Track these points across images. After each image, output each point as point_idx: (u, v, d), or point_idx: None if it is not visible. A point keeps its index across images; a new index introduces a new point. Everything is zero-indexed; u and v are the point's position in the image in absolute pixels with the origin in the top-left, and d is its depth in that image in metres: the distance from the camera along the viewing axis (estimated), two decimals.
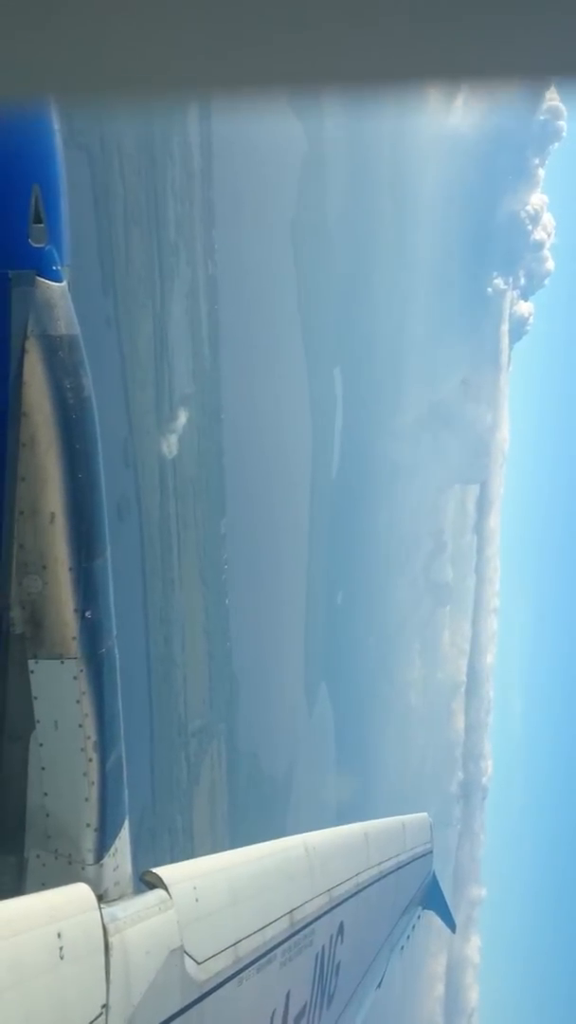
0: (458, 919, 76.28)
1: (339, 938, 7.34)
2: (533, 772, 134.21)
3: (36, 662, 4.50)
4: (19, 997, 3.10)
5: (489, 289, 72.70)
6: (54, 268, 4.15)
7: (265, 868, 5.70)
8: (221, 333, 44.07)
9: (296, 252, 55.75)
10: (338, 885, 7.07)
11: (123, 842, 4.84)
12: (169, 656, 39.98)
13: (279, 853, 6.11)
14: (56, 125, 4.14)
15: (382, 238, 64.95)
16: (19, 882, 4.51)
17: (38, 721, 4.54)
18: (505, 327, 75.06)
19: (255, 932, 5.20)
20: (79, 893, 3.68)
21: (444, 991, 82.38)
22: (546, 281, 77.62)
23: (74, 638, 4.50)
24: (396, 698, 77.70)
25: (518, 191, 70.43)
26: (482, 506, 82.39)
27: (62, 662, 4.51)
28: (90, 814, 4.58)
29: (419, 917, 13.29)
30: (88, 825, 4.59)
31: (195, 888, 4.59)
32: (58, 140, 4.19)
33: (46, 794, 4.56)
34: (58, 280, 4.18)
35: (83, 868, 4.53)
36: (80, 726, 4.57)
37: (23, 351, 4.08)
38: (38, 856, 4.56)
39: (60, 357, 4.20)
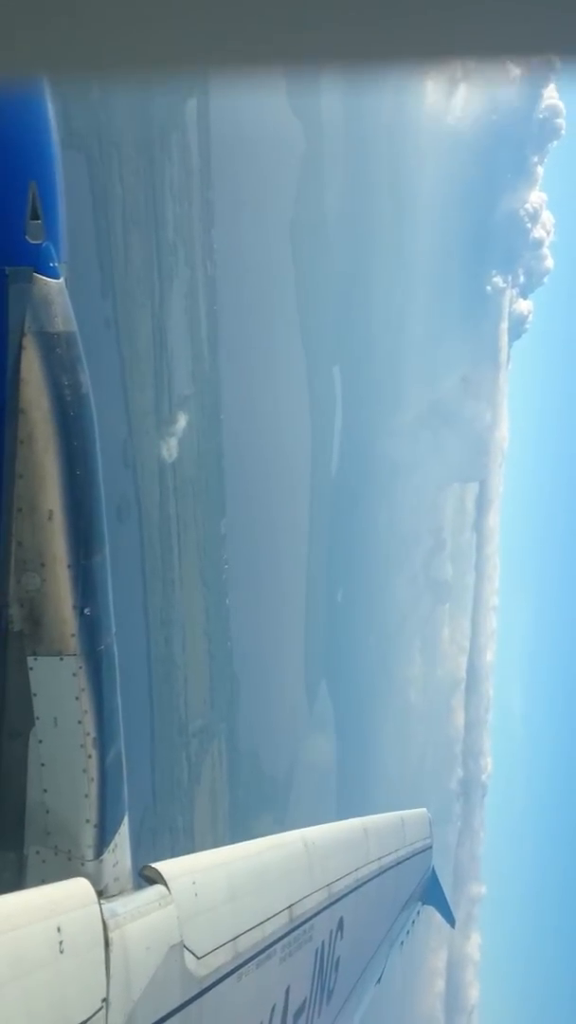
0: (458, 916, 76.39)
1: (339, 933, 7.35)
2: (533, 770, 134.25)
3: (35, 659, 4.51)
4: (19, 991, 3.11)
5: (488, 287, 72.67)
6: (51, 265, 4.15)
7: (264, 863, 5.71)
8: (220, 333, 44.08)
9: (295, 251, 55.74)
10: (337, 880, 7.09)
11: (123, 838, 4.85)
12: (170, 656, 40.03)
13: (278, 848, 6.12)
14: (53, 122, 4.15)
15: (381, 237, 64.93)
16: (19, 878, 4.52)
17: (37, 718, 4.55)
18: (504, 325, 75.03)
19: (255, 927, 5.21)
20: (79, 888, 3.69)
21: (444, 987, 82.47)
22: (545, 279, 77.61)
23: (73, 635, 4.51)
24: (396, 695, 77.74)
25: (517, 189, 70.41)
26: (481, 504, 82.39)
27: (61, 659, 4.52)
28: (89, 810, 4.59)
29: (419, 912, 13.33)
30: (88, 821, 4.60)
31: (194, 883, 4.60)
32: (55, 137, 4.20)
33: (46, 790, 4.57)
34: (55, 277, 4.18)
35: (83, 864, 4.54)
36: (79, 722, 4.58)
37: (20, 348, 4.09)
38: (38, 852, 4.57)
39: (58, 354, 4.21)
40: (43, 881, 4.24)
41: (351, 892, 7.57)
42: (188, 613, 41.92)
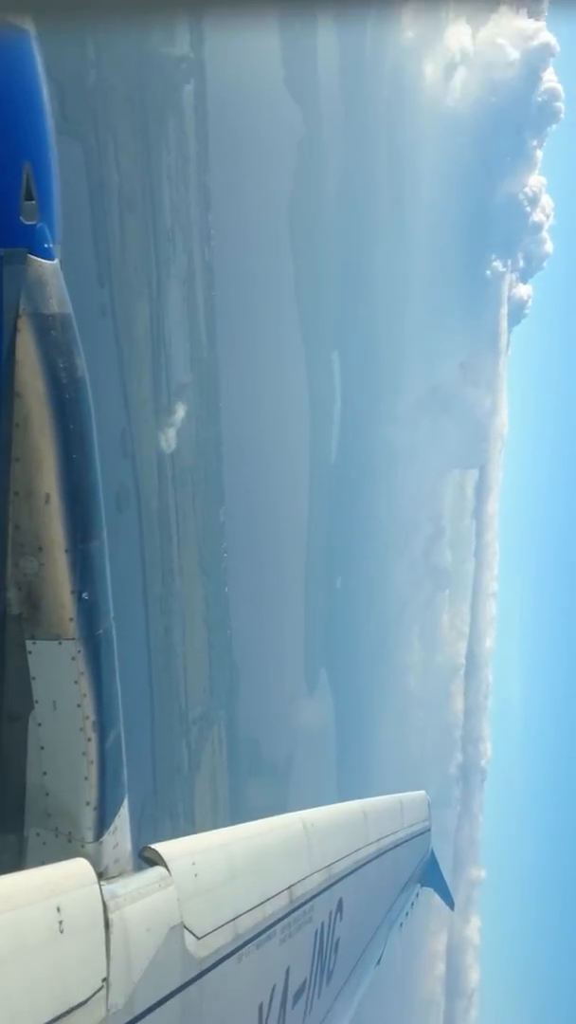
0: (458, 900, 76.90)
1: (338, 915, 7.41)
2: (532, 755, 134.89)
3: (34, 643, 4.52)
4: (19, 970, 3.13)
5: (488, 272, 72.42)
6: (46, 246, 4.12)
7: (264, 844, 5.75)
8: (218, 320, 43.97)
9: (293, 236, 55.56)
10: (337, 862, 7.14)
11: (123, 820, 4.87)
12: (169, 645, 40.13)
13: (277, 830, 6.16)
14: (47, 102, 4.12)
15: (379, 221, 64.71)
16: (19, 860, 4.55)
17: (36, 701, 4.57)
18: (504, 310, 74.81)
19: (254, 908, 5.25)
20: (78, 868, 3.71)
21: (445, 970, 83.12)
22: (545, 263, 77.37)
23: (71, 619, 4.51)
24: (395, 682, 77.99)
25: (516, 172, 70.09)
26: (481, 491, 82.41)
27: (60, 643, 4.53)
28: (89, 793, 4.61)
29: (418, 894, 13.44)
30: (87, 803, 4.62)
31: (194, 864, 4.63)
32: (49, 117, 4.17)
33: (45, 773, 4.59)
34: (50, 258, 4.16)
35: (83, 846, 4.56)
36: (78, 706, 4.59)
37: (15, 330, 4.07)
38: (38, 834, 4.60)
39: (53, 336, 4.18)
40: (43, 863, 4.26)
41: (350, 874, 7.64)
42: (187, 602, 42.00)
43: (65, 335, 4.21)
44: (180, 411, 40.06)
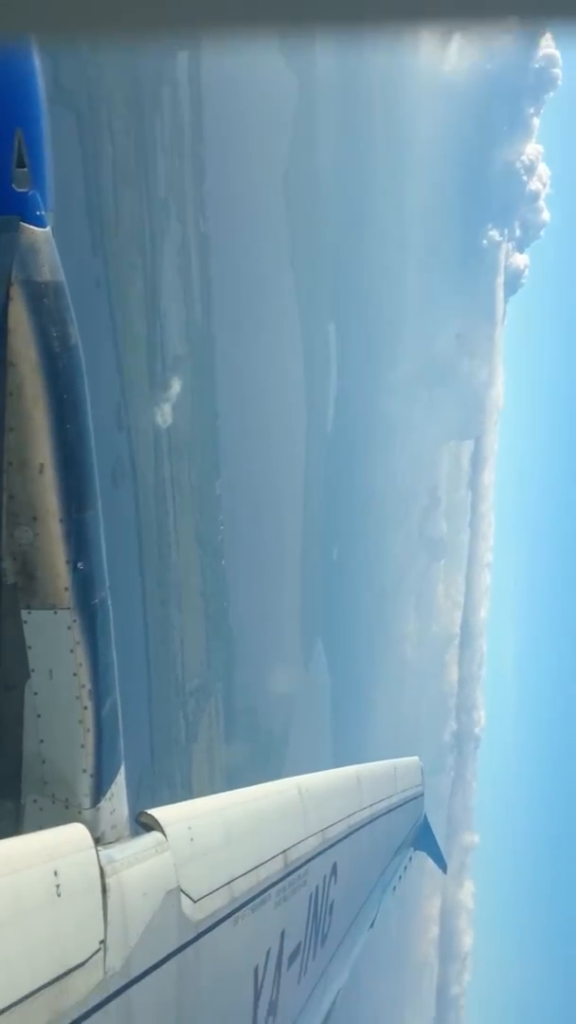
0: (452, 865, 77.92)
1: (332, 878, 7.51)
2: (525, 723, 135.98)
3: (29, 612, 4.52)
4: (17, 933, 3.17)
5: (484, 241, 71.93)
6: (38, 213, 4.07)
7: (259, 809, 5.81)
8: (213, 291, 43.63)
9: (289, 207, 55.03)
10: (331, 826, 7.23)
11: (119, 787, 4.91)
12: (166, 618, 40.23)
13: (272, 795, 6.22)
14: (39, 68, 4.06)
15: (375, 191, 64.09)
16: (16, 826, 4.60)
17: (33, 670, 4.58)
18: (500, 280, 74.40)
19: (250, 871, 5.30)
20: (75, 833, 3.74)
21: (439, 933, 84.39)
22: (542, 232, 76.87)
23: (67, 589, 4.51)
24: (391, 651, 78.45)
25: (513, 141, 69.39)
26: (476, 462, 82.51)
27: (55, 613, 4.53)
28: (86, 760, 4.64)
29: (411, 858, 13.63)
30: (84, 771, 4.65)
31: (190, 828, 4.67)
32: (41, 83, 4.11)
33: (42, 741, 4.61)
34: (42, 225, 4.11)
35: (80, 812, 4.60)
36: (74, 675, 4.60)
37: (7, 298, 4.03)
38: (35, 801, 4.63)
39: (45, 304, 4.14)
40: (40, 829, 4.29)
41: (345, 838, 7.74)
42: (184, 575, 42.05)
43: (58, 303, 4.17)
44: (176, 384, 39.87)
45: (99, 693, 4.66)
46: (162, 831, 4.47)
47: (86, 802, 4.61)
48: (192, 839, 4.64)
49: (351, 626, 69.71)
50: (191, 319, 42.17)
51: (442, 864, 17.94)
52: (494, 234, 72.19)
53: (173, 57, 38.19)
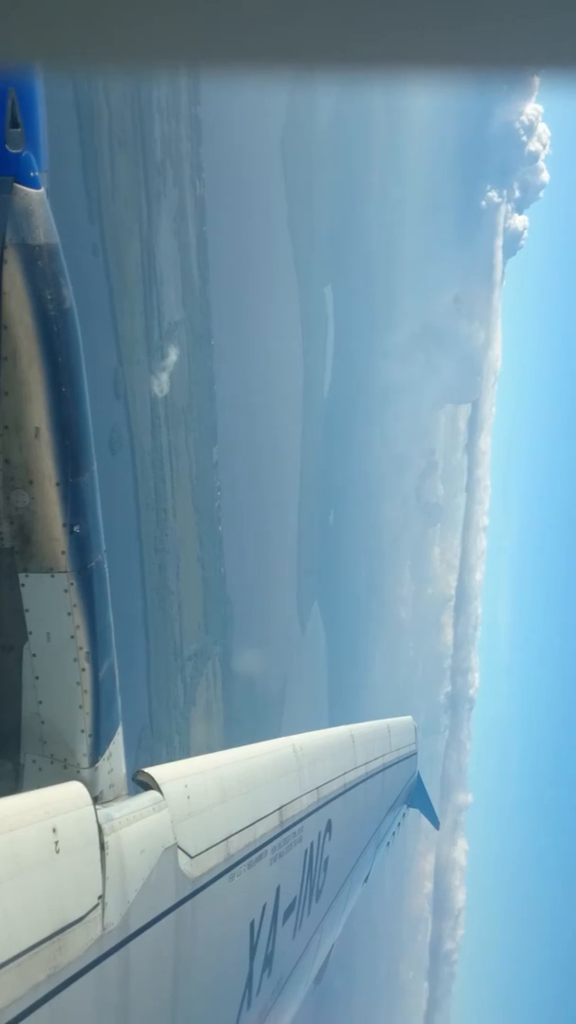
0: (446, 824, 79.05)
1: (327, 835, 7.62)
2: (519, 685, 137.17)
3: (27, 575, 4.52)
4: (17, 888, 3.21)
5: (483, 202, 71.11)
6: (32, 174, 4.00)
7: (254, 767, 5.86)
8: (210, 255, 43.15)
9: (286, 169, 54.28)
10: (326, 784, 7.32)
11: (117, 747, 4.94)
12: (164, 584, 40.31)
13: (268, 753, 6.28)
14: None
15: (372, 151, 63.21)
16: (16, 785, 4.64)
17: (30, 633, 4.59)
18: (499, 242, 73.66)
19: (246, 828, 5.37)
20: (73, 790, 3.77)
21: (432, 889, 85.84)
22: (541, 193, 75.91)
23: (63, 552, 4.50)
24: (387, 614, 78.88)
25: (512, 100, 68.26)
26: (473, 425, 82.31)
27: (52, 576, 4.52)
28: (84, 721, 4.67)
29: (404, 815, 13.82)
30: (82, 731, 4.67)
31: (186, 786, 4.72)
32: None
33: (40, 702, 4.64)
34: (36, 187, 4.04)
35: (78, 772, 4.63)
36: (72, 637, 4.61)
37: (2, 261, 3.99)
38: (34, 761, 4.67)
39: (40, 267, 4.09)
40: (39, 788, 4.34)
41: (339, 795, 7.84)
42: (182, 540, 42.09)
43: (52, 266, 4.11)
44: (172, 350, 39.58)
45: (96, 655, 4.68)
46: (159, 789, 4.52)
47: (84, 762, 4.65)
48: (189, 797, 4.70)
49: (347, 589, 70.00)
50: (188, 284, 41.77)
51: (435, 821, 18.21)
52: (493, 195, 71.34)
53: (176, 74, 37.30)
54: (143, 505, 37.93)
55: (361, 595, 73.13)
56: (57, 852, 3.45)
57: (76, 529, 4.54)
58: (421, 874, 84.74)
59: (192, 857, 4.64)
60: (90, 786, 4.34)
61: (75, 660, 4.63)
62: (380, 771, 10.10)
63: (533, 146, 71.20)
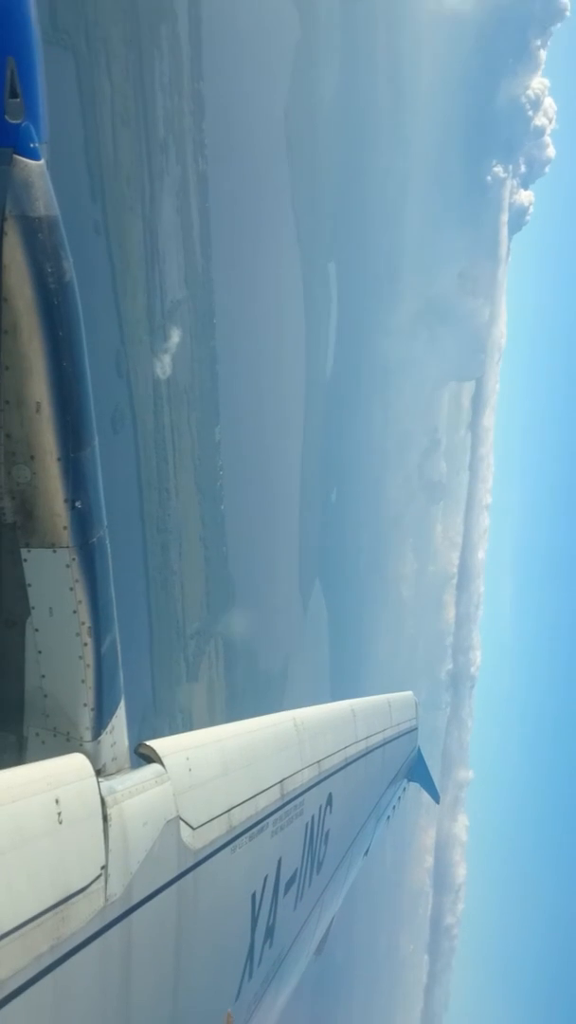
0: (446, 799, 79.67)
1: (328, 808, 7.68)
2: (521, 663, 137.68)
3: (29, 551, 4.52)
4: (20, 858, 3.23)
5: (488, 177, 70.52)
6: (32, 146, 3.95)
7: (255, 740, 5.90)
8: (213, 232, 42.86)
9: (289, 144, 53.78)
10: (327, 758, 7.36)
11: (120, 721, 4.97)
12: (166, 563, 40.39)
13: (269, 727, 6.31)
14: None
15: (378, 126, 62.61)
16: (19, 758, 4.68)
17: (33, 607, 4.61)
18: (504, 217, 73.14)
19: (247, 800, 5.41)
20: (76, 762, 3.80)
21: (433, 864, 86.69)
22: (547, 169, 75.33)
23: (65, 528, 4.50)
24: (389, 592, 79.07)
25: (519, 74, 67.52)
26: (477, 403, 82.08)
27: (54, 551, 4.52)
28: (87, 694, 4.70)
29: (404, 789, 13.92)
30: (85, 705, 4.70)
31: (188, 759, 4.75)
32: (34, 12, 3.97)
33: (43, 676, 4.67)
34: (36, 158, 3.99)
35: (81, 744, 4.66)
36: (74, 612, 4.63)
37: (1, 233, 3.96)
38: (37, 734, 4.70)
39: (40, 239, 4.05)
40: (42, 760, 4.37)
41: (340, 769, 7.89)
42: (184, 520, 42.14)
43: (52, 239, 4.08)
44: (175, 328, 39.43)
45: (98, 630, 4.70)
46: (161, 762, 4.56)
47: (87, 735, 4.68)
48: (191, 769, 4.74)
49: (349, 567, 70.14)
50: (190, 262, 41.54)
51: (435, 795, 18.38)
52: (498, 170, 70.74)
53: None
54: (145, 485, 37.94)
55: (363, 573, 73.27)
56: (60, 823, 3.48)
57: (78, 504, 4.54)
58: (422, 848, 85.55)
59: (194, 829, 4.69)
60: (93, 759, 4.37)
61: (77, 635, 4.65)
62: (381, 745, 10.16)
63: (539, 120, 70.54)
